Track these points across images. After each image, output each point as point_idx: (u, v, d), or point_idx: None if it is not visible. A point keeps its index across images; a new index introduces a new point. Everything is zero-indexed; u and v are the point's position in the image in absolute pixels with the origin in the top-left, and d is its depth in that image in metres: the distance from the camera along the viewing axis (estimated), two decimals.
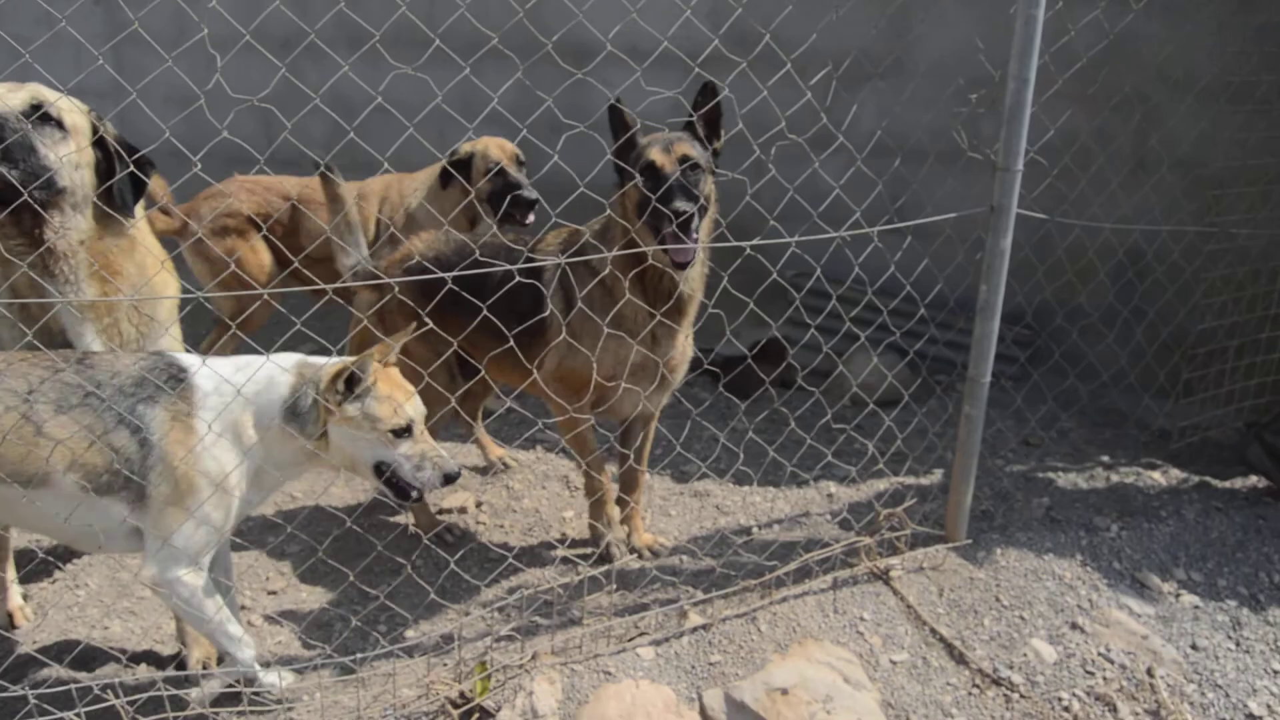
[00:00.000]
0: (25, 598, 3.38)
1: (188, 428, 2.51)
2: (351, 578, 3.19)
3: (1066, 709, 3.05)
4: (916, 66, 4.79)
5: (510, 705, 2.69)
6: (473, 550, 3.61)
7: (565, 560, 3.56)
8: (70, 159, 2.57)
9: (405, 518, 3.95)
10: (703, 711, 2.88)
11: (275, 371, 2.63)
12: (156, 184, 4.34)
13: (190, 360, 2.60)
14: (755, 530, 3.85)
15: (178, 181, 3.89)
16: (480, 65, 3.84)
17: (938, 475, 4.19)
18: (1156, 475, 4.22)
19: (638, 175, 3.05)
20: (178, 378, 2.54)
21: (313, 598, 3.49)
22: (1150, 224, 4.15)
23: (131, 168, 2.70)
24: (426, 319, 3.04)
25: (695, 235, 3.01)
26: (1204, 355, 4.24)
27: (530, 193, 4.30)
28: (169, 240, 4.44)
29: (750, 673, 2.97)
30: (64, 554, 3.89)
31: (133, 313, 2.78)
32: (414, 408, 2.70)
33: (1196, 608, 3.45)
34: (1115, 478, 4.20)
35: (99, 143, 2.69)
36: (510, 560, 3.40)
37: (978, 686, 3.09)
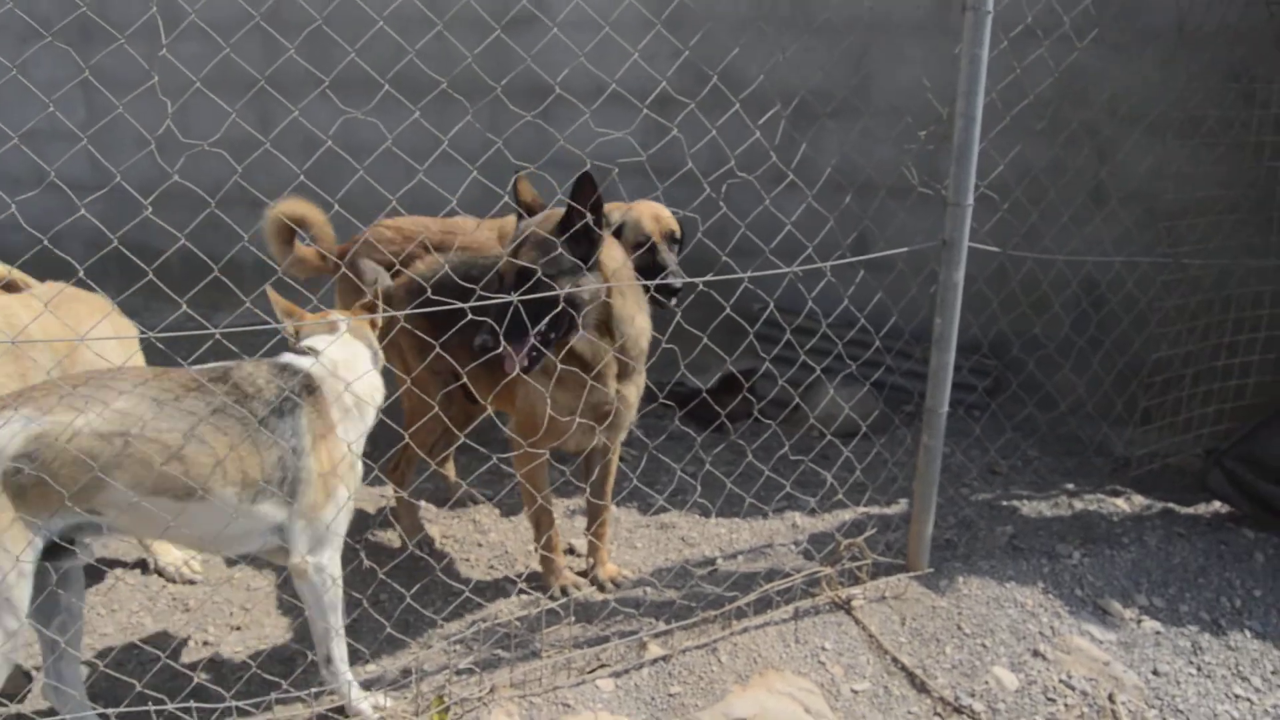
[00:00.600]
0: None
1: (328, 425, 2.75)
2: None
3: None
4: (870, 104, 4.87)
5: None
6: (435, 584, 3.61)
7: (527, 593, 3.56)
8: None
9: (391, 533, 3.97)
10: None
11: (347, 338, 2.94)
12: (313, 214, 4.32)
13: (304, 361, 2.83)
14: (720, 561, 3.86)
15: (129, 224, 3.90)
16: (449, 106, 3.89)
17: (902, 505, 4.22)
18: (1120, 502, 4.26)
19: None
20: (307, 385, 2.76)
21: (275, 632, 3.48)
22: (1104, 255, 4.22)
23: None
24: (430, 340, 3.08)
25: (535, 342, 3.04)
26: (1160, 383, 4.29)
27: (676, 280, 3.86)
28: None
29: (710, 704, 2.97)
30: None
31: None
32: None
33: (1158, 633, 3.48)
34: (1079, 505, 4.23)
35: None
36: (468, 594, 3.39)
37: (939, 715, 3.11)
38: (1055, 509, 4.22)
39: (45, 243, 3.73)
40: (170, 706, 2.66)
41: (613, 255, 3.22)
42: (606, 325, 3.22)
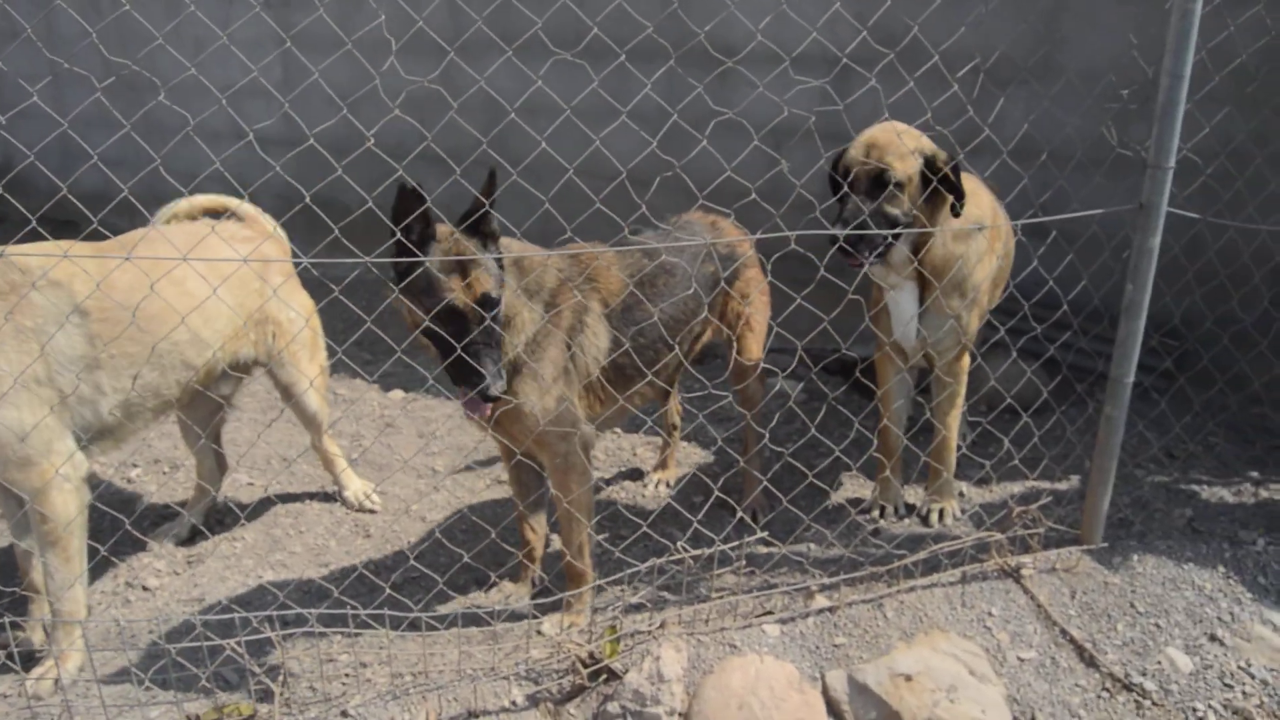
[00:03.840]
0: None
1: None
2: (494, 534, 3.33)
3: None
4: (1060, 70, 4.69)
5: (637, 668, 2.78)
6: (617, 517, 3.75)
7: (695, 540, 3.61)
8: None
9: None
10: (825, 691, 2.92)
11: None
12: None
13: None
14: (883, 522, 3.85)
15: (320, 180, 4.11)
16: (627, 69, 3.96)
17: (1073, 481, 4.12)
18: None
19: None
20: None
21: (449, 562, 3.65)
22: None
23: None
24: None
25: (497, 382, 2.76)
26: None
27: (851, 230, 3.23)
28: None
29: (874, 657, 3.00)
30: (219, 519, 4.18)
31: None
32: None
33: None
34: (1264, 493, 4.04)
35: None
36: (645, 529, 3.46)
37: (1108, 690, 3.05)
38: (1238, 496, 4.04)
39: (245, 196, 3.99)
40: (363, 613, 2.84)
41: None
42: None
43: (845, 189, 3.25)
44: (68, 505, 3.03)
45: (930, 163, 3.25)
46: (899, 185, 3.23)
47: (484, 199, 2.76)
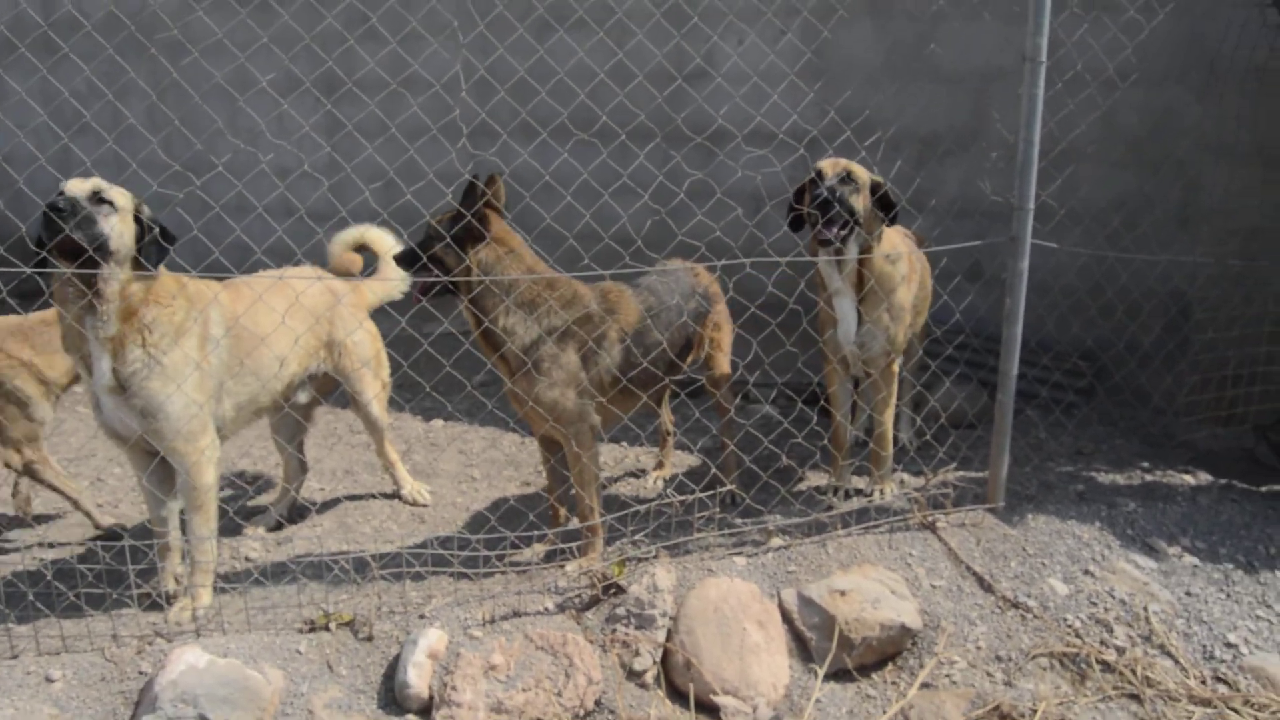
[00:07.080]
0: None
1: None
2: (550, 492, 4.30)
3: (1070, 627, 3.92)
4: (984, 140, 5.80)
5: (638, 583, 3.74)
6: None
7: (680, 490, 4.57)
8: (116, 228, 3.65)
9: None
10: (780, 604, 3.87)
11: None
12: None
13: None
14: (836, 501, 4.81)
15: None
16: (630, 147, 5.04)
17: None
18: (1188, 478, 4.99)
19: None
20: None
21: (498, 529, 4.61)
22: (1150, 255, 5.02)
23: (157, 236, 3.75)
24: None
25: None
26: (1219, 379, 5.03)
27: (824, 202, 4.09)
28: None
29: (818, 580, 3.94)
30: (300, 513, 5.13)
31: (137, 339, 3.75)
32: None
33: (1195, 567, 4.24)
34: (1150, 478, 4.98)
35: (137, 219, 3.75)
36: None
37: (999, 608, 3.98)
38: (1128, 480, 4.98)
39: (299, 256, 5.05)
40: (447, 554, 3.80)
41: (490, 250, 3.95)
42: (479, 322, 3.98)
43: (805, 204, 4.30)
44: (211, 476, 4.00)
45: (874, 185, 4.28)
46: (857, 186, 4.19)
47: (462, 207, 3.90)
